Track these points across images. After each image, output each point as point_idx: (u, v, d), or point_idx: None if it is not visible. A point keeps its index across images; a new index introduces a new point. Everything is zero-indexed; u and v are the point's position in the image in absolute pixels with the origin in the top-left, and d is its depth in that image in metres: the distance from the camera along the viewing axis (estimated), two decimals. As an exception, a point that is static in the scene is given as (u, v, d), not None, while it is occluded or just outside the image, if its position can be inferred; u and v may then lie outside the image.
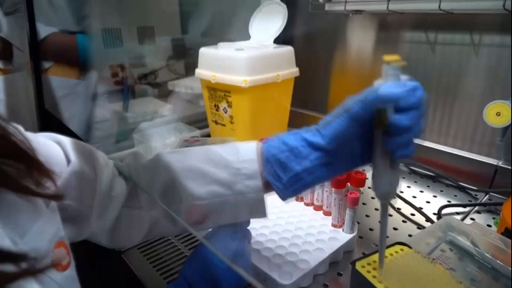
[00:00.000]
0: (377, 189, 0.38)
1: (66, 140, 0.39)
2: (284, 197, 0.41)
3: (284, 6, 0.83)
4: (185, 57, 1.29)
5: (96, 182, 0.39)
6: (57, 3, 0.81)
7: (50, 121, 0.77)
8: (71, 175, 0.36)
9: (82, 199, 0.37)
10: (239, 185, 0.41)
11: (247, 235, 0.46)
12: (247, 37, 0.90)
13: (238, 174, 0.41)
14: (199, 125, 1.00)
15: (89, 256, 0.77)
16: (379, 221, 0.40)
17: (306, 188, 0.40)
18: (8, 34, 0.70)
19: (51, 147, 0.37)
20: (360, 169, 0.48)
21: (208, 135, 0.96)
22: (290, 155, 0.39)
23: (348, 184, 0.56)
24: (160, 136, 0.88)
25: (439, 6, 0.67)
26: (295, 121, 1.02)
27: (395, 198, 0.41)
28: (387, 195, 0.38)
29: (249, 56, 0.75)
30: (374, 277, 0.45)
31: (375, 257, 0.48)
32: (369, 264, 0.47)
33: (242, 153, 0.42)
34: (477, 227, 0.55)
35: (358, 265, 0.46)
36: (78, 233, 0.39)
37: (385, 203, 0.39)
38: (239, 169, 0.41)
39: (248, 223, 0.47)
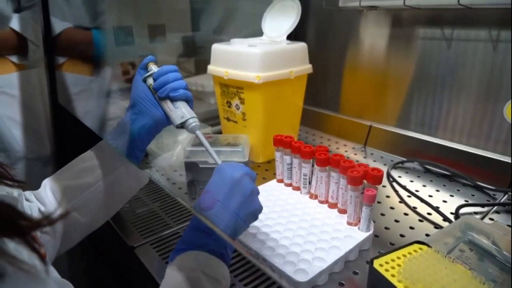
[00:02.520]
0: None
1: None
2: None
3: (298, 2, 0.82)
4: (195, 55, 1.29)
5: None
6: None
7: (63, 116, 0.77)
8: None
9: None
10: None
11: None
12: (258, 34, 0.90)
13: None
14: (209, 123, 1.00)
15: (102, 253, 0.77)
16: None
17: None
18: (23, 29, 0.70)
19: None
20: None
21: (219, 132, 0.95)
22: None
23: (365, 181, 0.54)
24: (172, 132, 0.87)
25: (459, 1, 0.65)
26: (306, 119, 1.01)
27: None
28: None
29: (263, 52, 0.74)
30: (393, 276, 0.44)
31: (393, 255, 0.47)
32: (387, 262, 0.46)
33: None
34: (498, 226, 0.53)
35: (376, 264, 0.45)
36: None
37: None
38: None
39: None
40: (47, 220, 0.28)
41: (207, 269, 0.39)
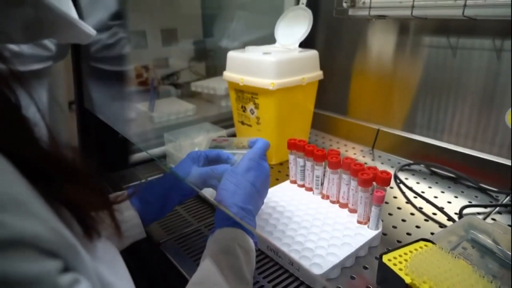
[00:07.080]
0: None
1: None
2: None
3: (310, 11, 0.87)
4: (206, 59, 1.34)
5: None
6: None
7: (89, 120, 0.82)
8: None
9: None
10: None
11: None
12: (269, 41, 0.94)
13: None
14: (220, 125, 1.04)
15: (128, 249, 0.82)
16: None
17: None
18: None
19: None
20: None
21: (233, 135, 1.00)
22: None
23: (374, 183, 0.59)
24: (189, 135, 0.92)
25: (463, 13, 0.69)
26: (316, 123, 1.05)
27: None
28: None
29: (277, 60, 0.78)
30: (400, 269, 0.48)
31: (401, 251, 0.51)
32: (395, 257, 0.50)
33: None
34: (499, 226, 0.57)
35: (385, 258, 0.50)
36: None
37: None
38: None
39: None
40: (123, 196, 0.38)
41: (241, 242, 0.46)
